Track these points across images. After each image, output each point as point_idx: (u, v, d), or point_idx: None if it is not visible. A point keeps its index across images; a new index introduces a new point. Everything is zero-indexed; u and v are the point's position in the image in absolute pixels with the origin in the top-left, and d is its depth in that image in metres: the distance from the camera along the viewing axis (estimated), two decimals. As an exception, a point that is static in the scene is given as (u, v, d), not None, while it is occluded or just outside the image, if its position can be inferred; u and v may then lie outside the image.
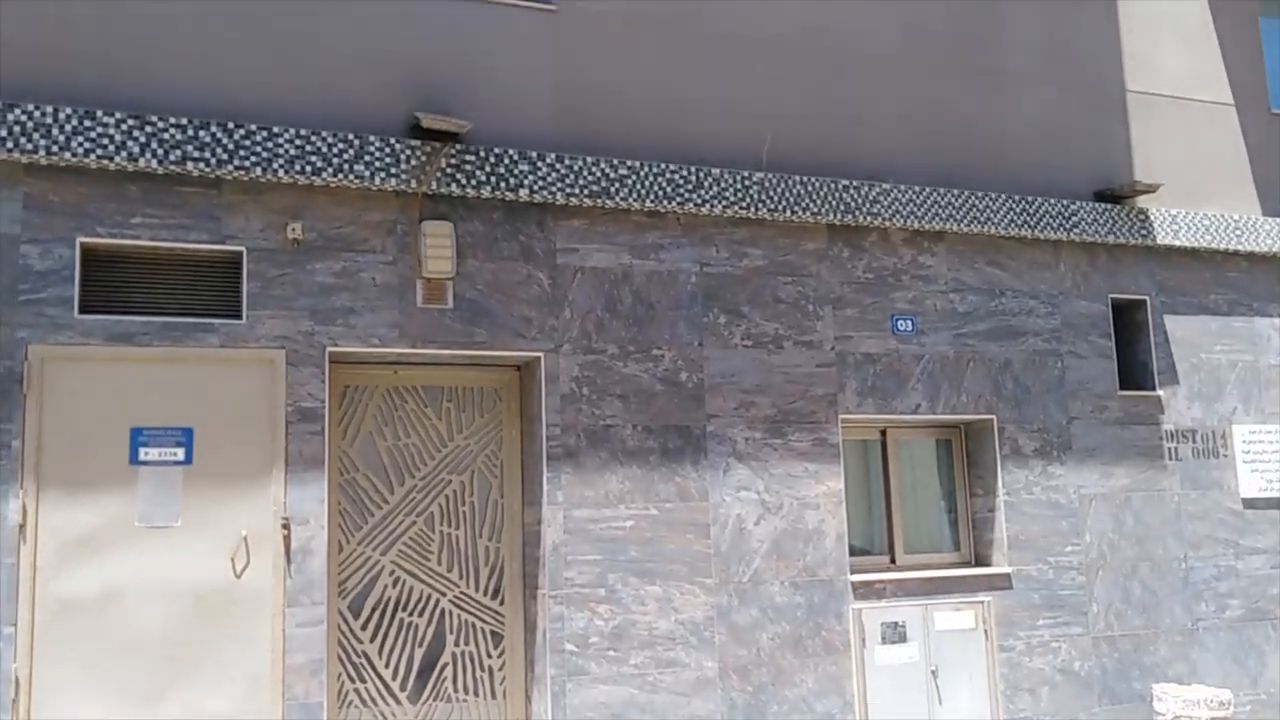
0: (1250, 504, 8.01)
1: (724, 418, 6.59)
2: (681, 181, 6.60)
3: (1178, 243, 7.99)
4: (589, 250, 6.44)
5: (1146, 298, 7.94)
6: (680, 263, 6.65)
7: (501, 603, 6.36)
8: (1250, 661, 7.80)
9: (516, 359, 6.37)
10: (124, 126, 5.43)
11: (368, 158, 5.90)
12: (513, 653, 6.33)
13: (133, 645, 5.27)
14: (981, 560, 7.41)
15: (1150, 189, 7.75)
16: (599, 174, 6.43)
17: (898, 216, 7.13)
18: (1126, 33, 8.26)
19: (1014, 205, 7.49)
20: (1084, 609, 7.34)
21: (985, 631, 7.04)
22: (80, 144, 5.34)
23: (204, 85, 5.74)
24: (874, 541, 7.33)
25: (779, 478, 6.66)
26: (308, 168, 5.77)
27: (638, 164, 6.53)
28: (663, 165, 6.58)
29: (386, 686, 6.10)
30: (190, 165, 5.54)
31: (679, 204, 6.58)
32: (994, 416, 7.32)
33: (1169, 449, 7.80)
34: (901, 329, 7.13)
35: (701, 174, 6.66)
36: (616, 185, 6.45)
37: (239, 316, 5.66)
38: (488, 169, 6.17)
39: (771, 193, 6.82)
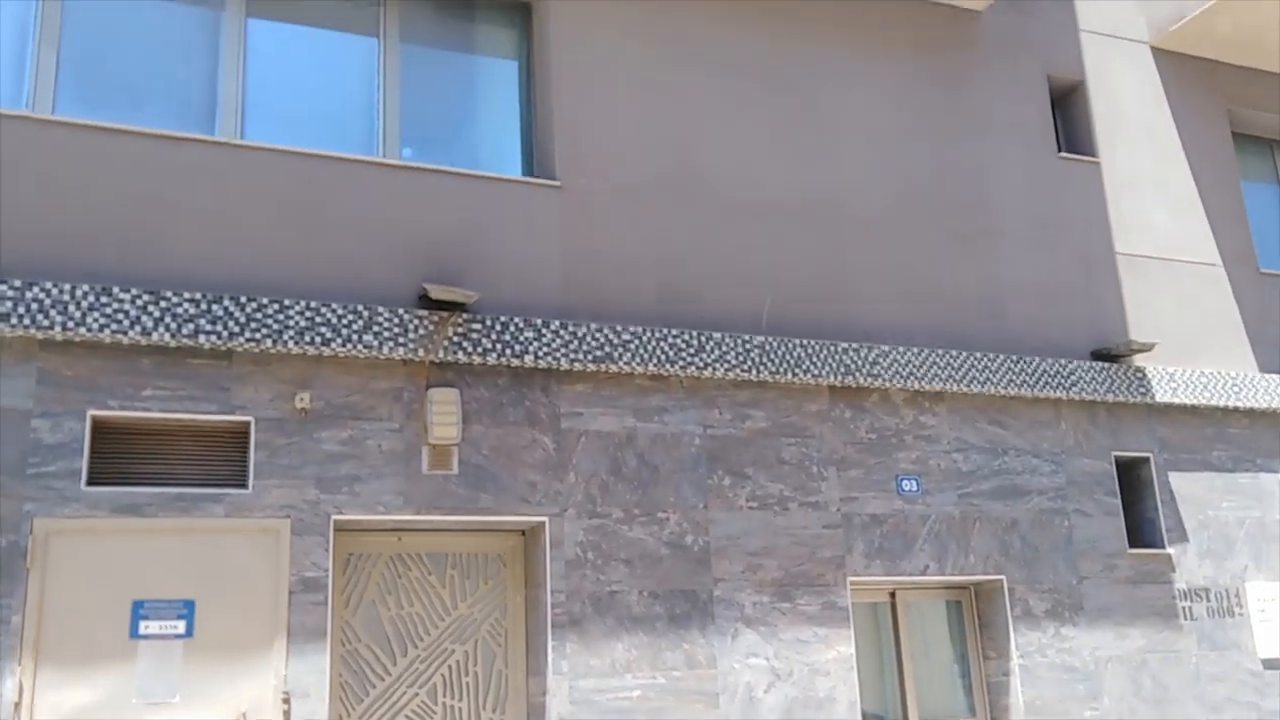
0: (1270, 664, 7.84)
1: (731, 581, 6.53)
2: (684, 345, 6.72)
3: (1177, 400, 8.06)
4: (593, 414, 6.51)
5: (1149, 455, 7.95)
6: (684, 425, 6.70)
7: (505, 778, 6.17)
8: (1283, 833, 7.51)
9: (521, 524, 6.36)
10: (139, 302, 5.57)
11: (376, 328, 6.03)
12: (517, 832, 6.10)
13: (124, 829, 5.10)
14: (998, 727, 7.22)
15: (1146, 348, 7.87)
16: (603, 339, 6.54)
17: (898, 377, 7.22)
18: (1113, 196, 8.53)
19: (1013, 365, 7.60)
20: (1107, 778, 7.11)
21: (1006, 803, 6.80)
22: (96, 319, 5.47)
23: (218, 259, 5.91)
24: (887, 707, 7.15)
25: (788, 643, 6.55)
26: (317, 338, 5.89)
27: (641, 329, 6.66)
28: (665, 330, 6.71)
29: None
30: (202, 338, 5.66)
31: (682, 367, 6.68)
32: (1003, 577, 7.25)
33: (1183, 608, 7.68)
34: (906, 489, 7.12)
35: (703, 338, 6.78)
36: (620, 350, 6.56)
37: (245, 486, 5.69)
38: (494, 336, 6.29)
39: (772, 355, 6.92)
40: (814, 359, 7.03)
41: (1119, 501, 7.74)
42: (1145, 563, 7.68)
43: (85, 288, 5.49)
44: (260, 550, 5.62)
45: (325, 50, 6.86)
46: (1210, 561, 7.91)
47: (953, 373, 7.39)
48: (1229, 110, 9.35)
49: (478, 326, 6.26)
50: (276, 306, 5.85)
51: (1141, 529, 7.91)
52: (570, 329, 6.47)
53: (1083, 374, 7.81)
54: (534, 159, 7.11)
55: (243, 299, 5.78)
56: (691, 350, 6.73)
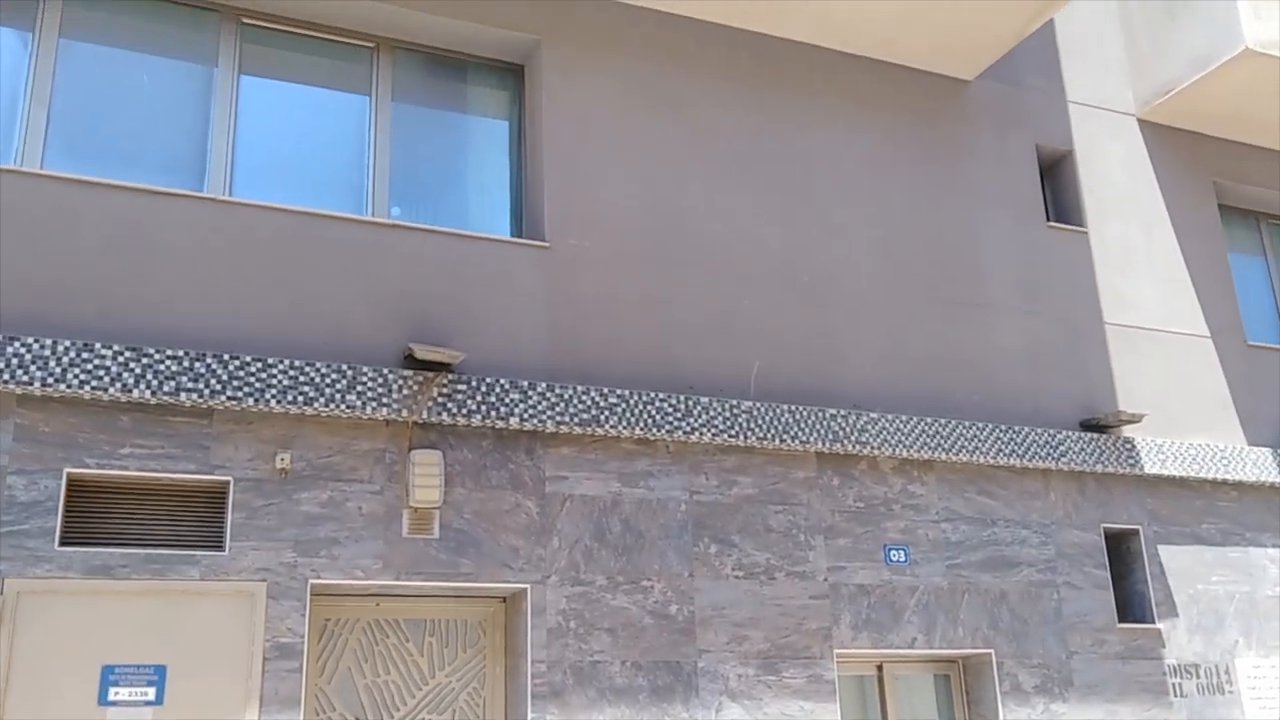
0: (1261, 743, 7.72)
1: (715, 653, 6.41)
2: (670, 410, 6.66)
3: (1166, 472, 8.02)
4: (578, 478, 6.43)
5: (1139, 527, 7.89)
6: (670, 490, 6.62)
7: None
8: None
9: (502, 590, 6.25)
10: (121, 358, 5.50)
11: (360, 388, 5.96)
12: None
13: None
14: (986, 805, 7.07)
15: (1135, 419, 7.84)
16: (589, 402, 6.48)
17: (886, 445, 7.16)
18: (1101, 267, 8.55)
19: (1001, 434, 7.55)
20: None
21: None
22: (76, 375, 5.39)
23: (202, 315, 5.85)
24: (873, 784, 7.01)
25: (774, 718, 6.42)
26: (300, 398, 5.82)
27: (627, 392, 6.60)
28: (652, 394, 6.65)
29: None
30: (183, 395, 5.58)
31: (668, 432, 6.61)
32: (992, 650, 7.14)
33: (1173, 684, 7.57)
34: (895, 559, 7.04)
35: (690, 402, 6.73)
36: (606, 413, 6.50)
37: (222, 548, 5.57)
38: (479, 398, 6.22)
39: (760, 421, 6.87)
40: (802, 425, 6.97)
41: (1108, 574, 7.67)
42: (1135, 638, 7.59)
43: (67, 343, 5.42)
44: (235, 615, 5.50)
45: (317, 107, 6.87)
46: (1200, 637, 7.82)
47: (941, 441, 7.34)
48: (1215, 182, 9.43)
49: (463, 387, 6.20)
50: (260, 364, 5.78)
51: (1131, 603, 7.82)
52: (556, 391, 6.41)
53: (1072, 444, 7.77)
54: (523, 219, 7.10)
55: (225, 356, 5.72)
56: (678, 414, 6.67)
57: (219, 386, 5.66)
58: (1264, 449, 8.47)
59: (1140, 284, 8.67)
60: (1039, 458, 7.62)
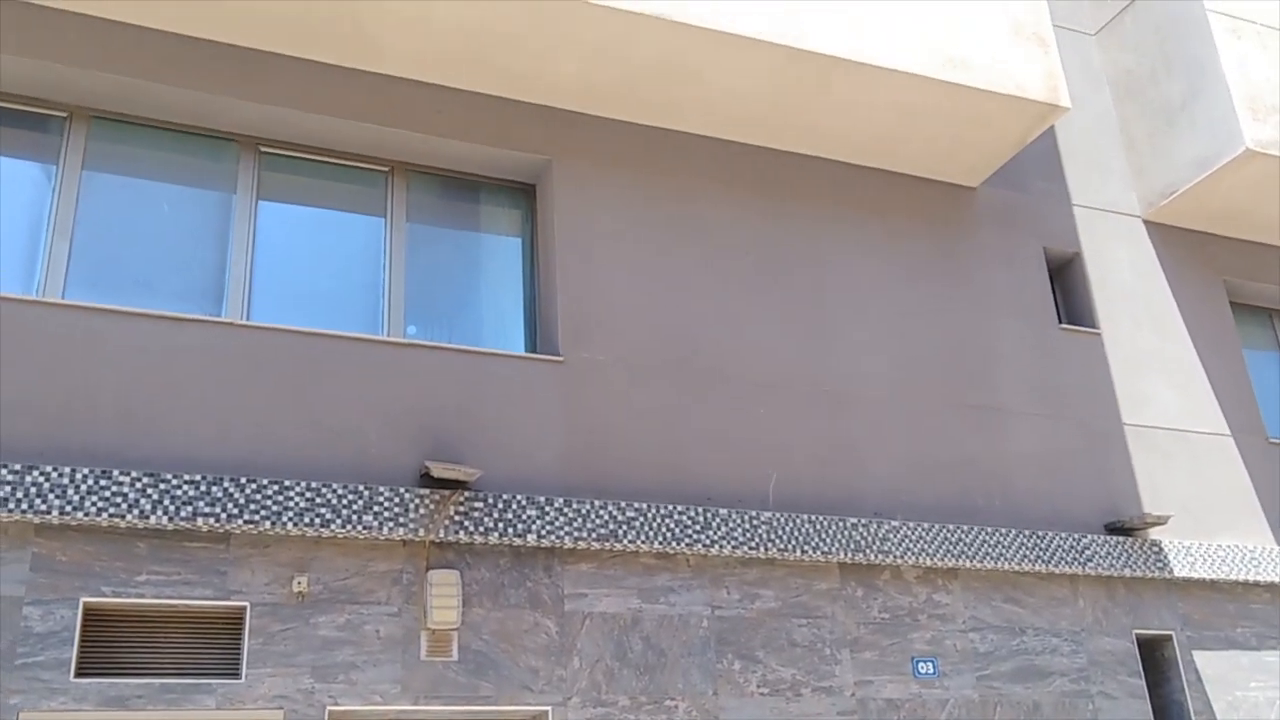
0: None
1: (742, 773, 6.23)
2: (689, 522, 6.60)
3: (1196, 575, 7.87)
4: (597, 595, 6.34)
5: (1172, 632, 7.71)
6: (691, 606, 6.52)
7: None
8: None
9: (523, 713, 6.10)
10: (139, 484, 5.49)
11: (377, 508, 5.93)
12: None
13: None
14: None
15: (1160, 521, 7.73)
16: (607, 516, 6.43)
17: (909, 554, 7.06)
18: (1117, 367, 8.53)
19: (1025, 540, 7.44)
20: None
21: None
22: (94, 503, 5.38)
23: (219, 439, 5.86)
24: None
25: (804, 840, 6.21)
26: (317, 519, 5.78)
27: (645, 505, 6.55)
28: (670, 506, 6.60)
29: None
30: (200, 521, 5.55)
31: (688, 545, 6.54)
32: (1027, 765, 6.92)
33: (1218, 797, 7.31)
34: (923, 672, 6.87)
35: (709, 514, 6.66)
36: (625, 527, 6.44)
37: (238, 675, 5.48)
38: (496, 515, 6.18)
39: (780, 532, 6.79)
40: (823, 535, 6.89)
41: (1143, 682, 7.46)
42: (1175, 748, 7.35)
43: (85, 470, 5.42)
44: (250, 745, 5.38)
45: (333, 231, 6.99)
46: (1242, 745, 7.58)
47: (965, 548, 7.24)
48: (1225, 281, 9.45)
49: (479, 505, 6.16)
50: (276, 487, 5.76)
51: (1169, 712, 7.59)
52: (574, 506, 6.37)
53: (1098, 548, 7.65)
54: (537, 334, 7.15)
55: (242, 480, 5.71)
56: (698, 527, 6.61)
57: (236, 510, 5.64)
58: (1294, 548, 8.33)
59: (1157, 383, 8.64)
60: (1065, 563, 7.49)
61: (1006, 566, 7.31)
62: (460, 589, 5.96)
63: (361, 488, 5.93)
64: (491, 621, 6.04)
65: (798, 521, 6.87)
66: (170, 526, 5.51)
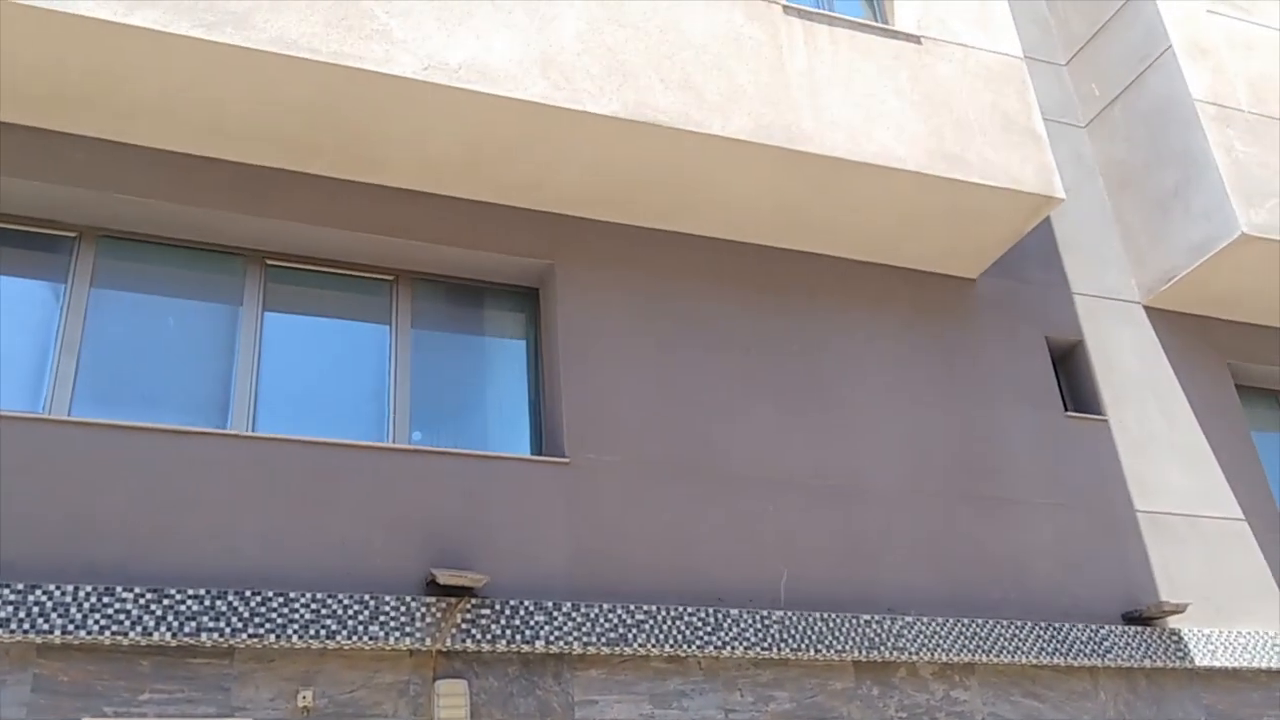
0: None
1: None
2: (700, 624, 6.51)
3: (1218, 664, 7.70)
4: (608, 701, 6.22)
5: (1198, 725, 7.53)
6: (704, 710, 6.39)
7: None
8: None
9: (535, 827, 5.96)
10: (142, 601, 5.46)
11: (383, 618, 5.87)
12: None
13: None
14: None
15: (1179, 609, 7.60)
16: (616, 620, 6.35)
17: (924, 650, 6.94)
18: (1126, 456, 8.47)
19: (1042, 633, 7.31)
20: None
21: None
22: (97, 621, 5.34)
23: (223, 553, 5.83)
24: None
25: None
26: (322, 631, 5.72)
27: (655, 608, 6.47)
28: (680, 608, 6.52)
29: None
30: (204, 636, 5.50)
31: (699, 647, 6.44)
32: None
33: None
34: (943, 773, 6.71)
35: (720, 615, 6.58)
36: (634, 631, 6.35)
37: (242, 796, 5.38)
38: (503, 622, 6.10)
39: (793, 631, 6.69)
40: (836, 633, 6.78)
41: (1172, 778, 7.27)
42: (1208, 847, 7.12)
43: (88, 588, 5.39)
44: None
45: (338, 339, 7.06)
46: (1278, 842, 7.33)
47: (981, 643, 7.11)
48: (1229, 364, 9.44)
49: (486, 612, 6.09)
50: (281, 600, 5.71)
51: (1200, 808, 7.38)
52: (582, 610, 6.29)
53: (1116, 639, 7.51)
54: (543, 437, 7.15)
55: (247, 593, 5.66)
56: (708, 628, 6.51)
57: (240, 625, 5.58)
58: (1317, 634, 8.17)
59: (1167, 469, 8.57)
60: (1084, 655, 7.35)
61: (1024, 660, 7.17)
62: (468, 698, 5.87)
63: (367, 597, 5.88)
64: (500, 732, 5.93)
65: (810, 620, 6.77)
66: (174, 643, 5.46)
